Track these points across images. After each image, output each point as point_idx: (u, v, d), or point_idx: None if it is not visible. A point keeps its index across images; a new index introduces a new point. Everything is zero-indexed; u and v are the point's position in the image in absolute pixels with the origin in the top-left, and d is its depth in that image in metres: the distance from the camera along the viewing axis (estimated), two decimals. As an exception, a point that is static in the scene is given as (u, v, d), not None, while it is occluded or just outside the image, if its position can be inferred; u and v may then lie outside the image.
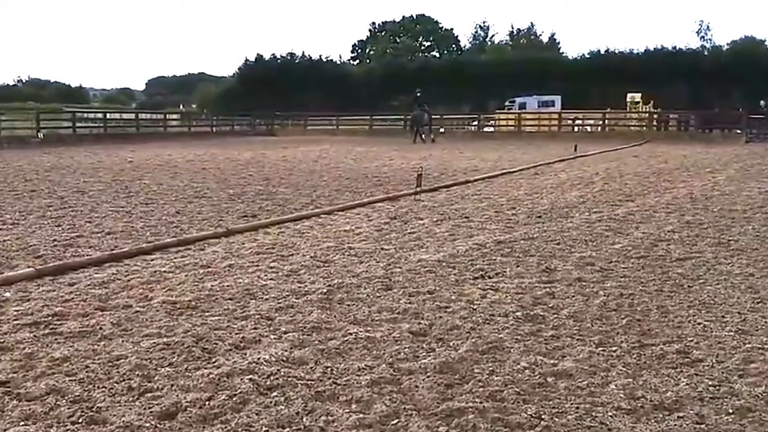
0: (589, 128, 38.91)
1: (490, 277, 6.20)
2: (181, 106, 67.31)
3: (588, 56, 58.35)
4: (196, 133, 39.41)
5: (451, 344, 4.45)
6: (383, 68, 62.37)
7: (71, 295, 5.51)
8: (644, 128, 37.99)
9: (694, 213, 10.05)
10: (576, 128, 38.72)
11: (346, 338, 4.51)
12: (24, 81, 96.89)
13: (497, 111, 46.04)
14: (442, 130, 38.97)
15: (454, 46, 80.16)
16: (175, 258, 6.91)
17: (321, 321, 4.88)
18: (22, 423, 3.31)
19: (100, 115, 44.76)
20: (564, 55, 67.20)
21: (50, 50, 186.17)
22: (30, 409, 3.44)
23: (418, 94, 35.32)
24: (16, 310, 5.06)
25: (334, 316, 5.01)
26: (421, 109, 34.17)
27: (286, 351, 4.26)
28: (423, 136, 33.48)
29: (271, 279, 6.07)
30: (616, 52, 56.94)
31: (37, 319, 4.87)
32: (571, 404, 3.59)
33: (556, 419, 3.42)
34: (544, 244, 7.76)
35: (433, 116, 35.96)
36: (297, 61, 64.39)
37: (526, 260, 6.91)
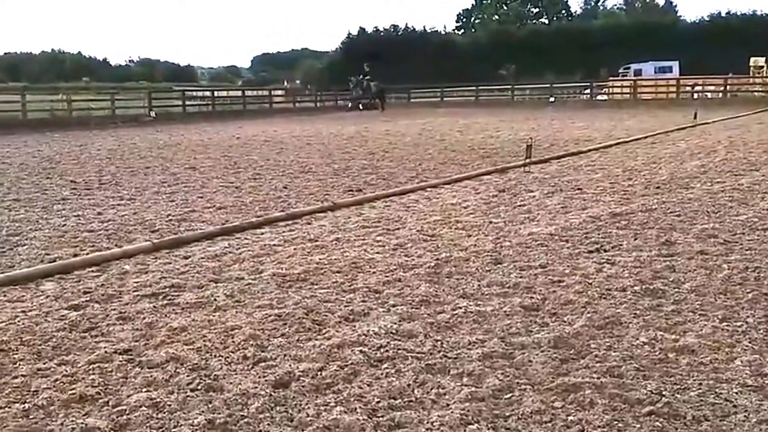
0: (709, 95, 36.80)
1: (605, 251, 5.96)
2: (286, 83, 68.52)
3: (707, 19, 55.19)
4: (301, 109, 40.09)
5: (565, 319, 4.30)
6: (490, 37, 61.00)
7: (186, 267, 5.70)
8: (769, 93, 35.62)
9: (828, 182, 9.33)
10: (696, 95, 36.61)
11: (455, 312, 4.44)
12: (135, 61, 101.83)
13: (611, 78, 44.23)
14: (552, 99, 37.99)
15: (564, 11, 77.45)
16: (284, 232, 7.03)
17: (429, 294, 4.83)
18: (144, 389, 3.43)
19: (208, 93, 46.42)
20: (681, 18, 63.92)
21: (159, 31, 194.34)
22: (151, 377, 3.56)
23: (367, 69, 39.65)
24: (135, 282, 5.29)
25: (443, 290, 4.95)
26: (377, 85, 39.04)
27: (395, 324, 4.23)
28: (361, 106, 38.42)
29: (377, 252, 6.07)
30: (738, 14, 53.60)
31: (155, 290, 5.06)
32: (694, 380, 3.42)
33: (678, 395, 3.26)
34: (663, 216, 7.38)
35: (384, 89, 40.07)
36: (400, 33, 64.08)
37: (644, 233, 6.59)
